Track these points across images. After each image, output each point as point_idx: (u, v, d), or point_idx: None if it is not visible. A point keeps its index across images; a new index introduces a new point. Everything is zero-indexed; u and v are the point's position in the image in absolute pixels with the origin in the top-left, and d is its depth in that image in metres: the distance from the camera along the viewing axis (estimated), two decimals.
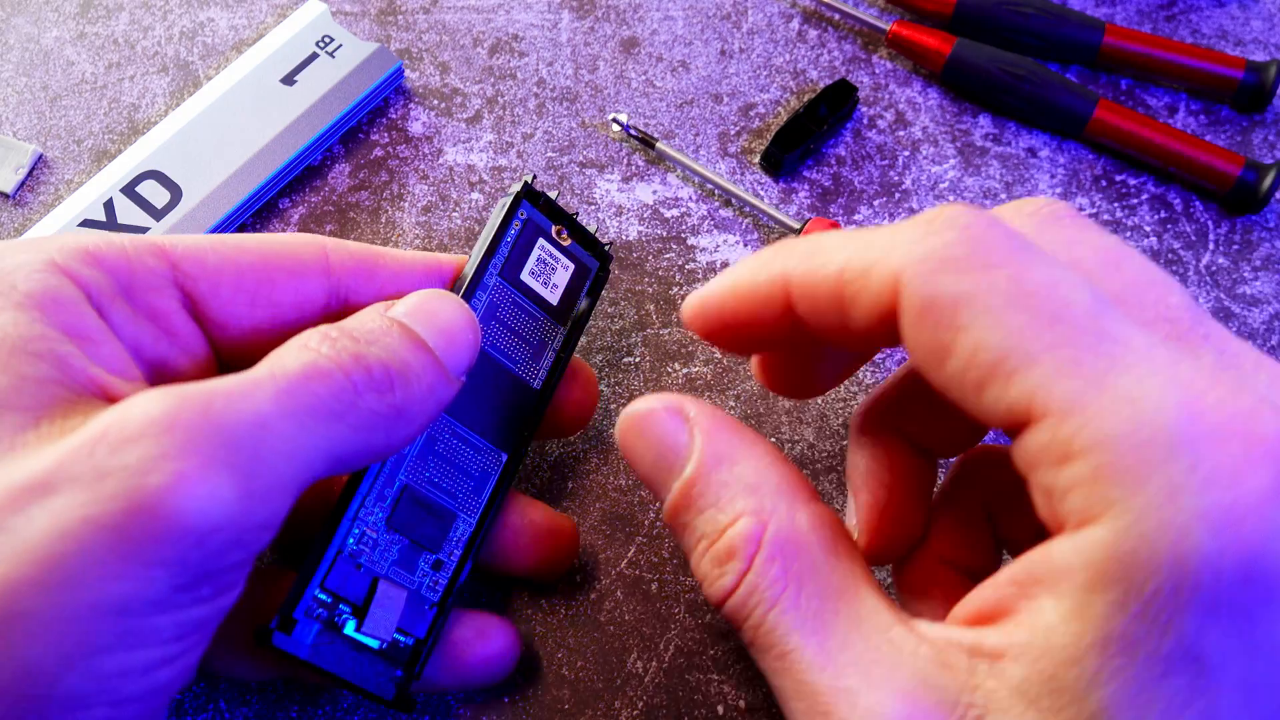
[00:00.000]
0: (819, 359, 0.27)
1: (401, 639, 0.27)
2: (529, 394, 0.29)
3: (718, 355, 0.36)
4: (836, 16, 0.42)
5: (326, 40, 0.40)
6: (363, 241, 0.37)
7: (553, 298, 0.30)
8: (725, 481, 0.23)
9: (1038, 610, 0.19)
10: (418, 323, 0.25)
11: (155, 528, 0.19)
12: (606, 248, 0.32)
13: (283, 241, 0.27)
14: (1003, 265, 0.20)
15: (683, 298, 0.32)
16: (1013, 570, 0.20)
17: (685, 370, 0.35)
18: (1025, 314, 0.19)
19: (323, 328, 0.23)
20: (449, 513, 0.28)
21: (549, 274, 0.30)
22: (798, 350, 0.27)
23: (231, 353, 0.27)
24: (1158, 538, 0.17)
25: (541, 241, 0.30)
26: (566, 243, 0.30)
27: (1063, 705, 0.18)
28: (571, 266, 0.31)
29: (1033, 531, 0.21)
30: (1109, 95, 0.41)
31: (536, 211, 0.30)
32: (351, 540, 0.26)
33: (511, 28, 0.42)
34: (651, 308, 0.36)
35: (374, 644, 0.26)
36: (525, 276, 0.29)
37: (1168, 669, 0.18)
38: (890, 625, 0.21)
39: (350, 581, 0.26)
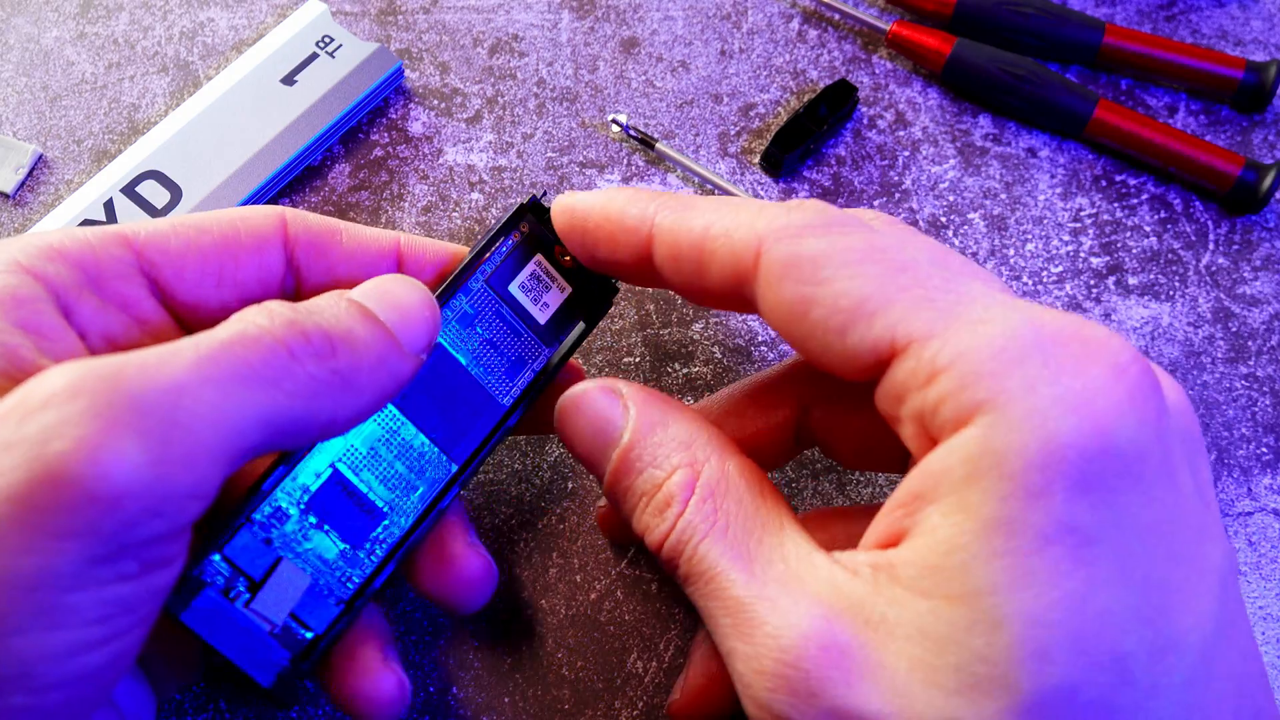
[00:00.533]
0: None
1: (297, 629, 0.25)
2: (494, 408, 0.28)
3: (718, 355, 0.36)
4: (836, 16, 0.42)
5: (326, 40, 0.40)
6: None
7: (541, 316, 0.29)
8: (660, 442, 0.25)
9: (924, 518, 0.21)
10: (369, 299, 0.24)
11: (60, 496, 0.18)
12: (614, 280, 0.30)
13: (243, 217, 0.27)
14: (856, 231, 0.23)
15: (684, 299, 0.32)
16: (897, 495, 0.22)
17: (685, 370, 0.35)
18: (879, 265, 0.22)
19: (266, 303, 0.23)
20: (377, 510, 0.27)
21: (541, 292, 0.29)
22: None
23: None
24: (1023, 427, 0.20)
25: (539, 258, 0.29)
26: (569, 264, 0.29)
27: (953, 592, 0.20)
28: (569, 289, 0.29)
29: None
30: (1109, 95, 0.41)
31: (540, 227, 0.29)
32: (262, 514, 0.25)
33: (511, 28, 0.42)
34: (651, 308, 0.36)
35: (263, 626, 0.25)
36: (514, 289, 0.29)
37: (1045, 544, 0.19)
38: (809, 551, 0.23)
39: (253, 555, 0.24)
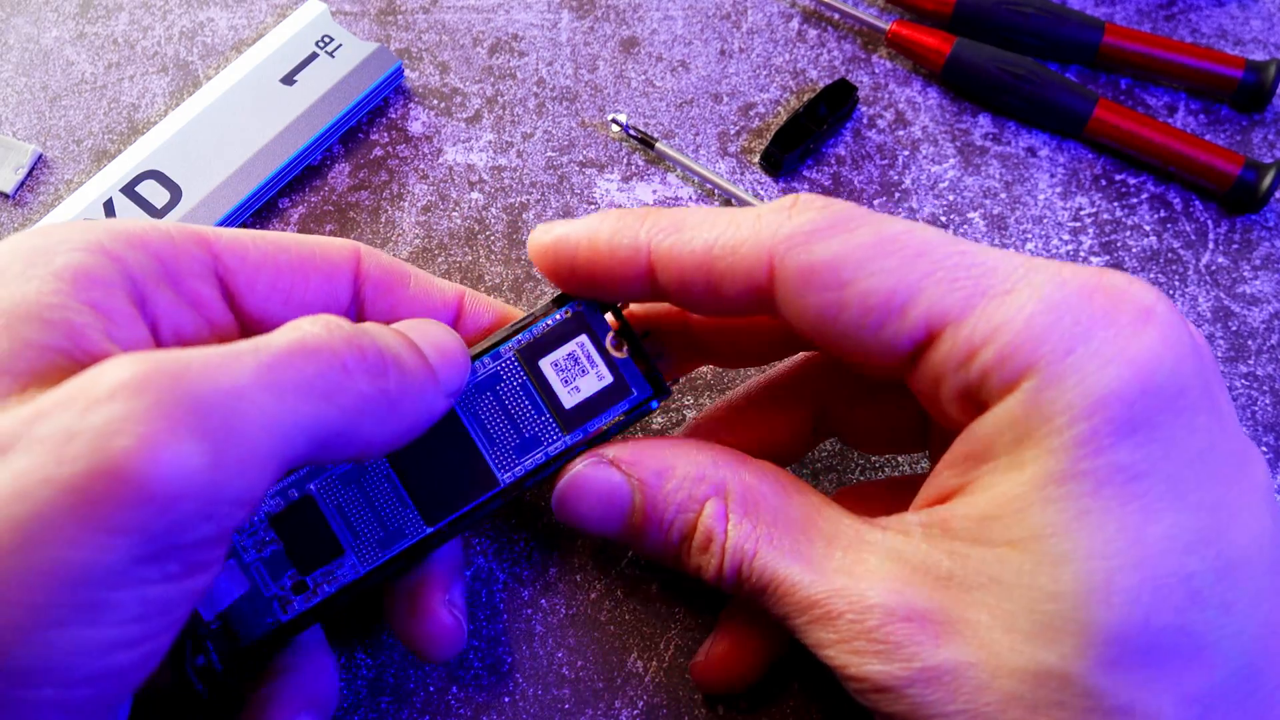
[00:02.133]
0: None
1: (227, 628, 0.25)
2: (489, 483, 0.27)
3: None
4: (836, 16, 0.42)
5: (326, 40, 0.40)
6: (362, 240, 0.37)
7: (568, 400, 0.27)
8: (676, 488, 0.25)
9: (977, 478, 0.22)
10: (412, 333, 0.25)
11: (117, 491, 0.18)
12: (670, 384, 0.29)
13: (320, 244, 0.27)
14: (863, 225, 0.23)
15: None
16: (946, 460, 0.23)
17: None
18: (896, 257, 0.22)
19: (322, 315, 0.23)
20: (338, 547, 0.26)
21: (576, 375, 0.27)
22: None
23: None
24: (1064, 384, 0.21)
25: (584, 339, 0.27)
26: (620, 354, 0.27)
27: (1013, 537, 0.21)
28: (609, 380, 0.27)
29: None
30: (1108, 95, 0.41)
31: (598, 315, 0.27)
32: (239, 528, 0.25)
33: (511, 27, 0.42)
34: None
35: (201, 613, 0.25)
36: (545, 364, 0.27)
37: (1098, 486, 0.20)
38: (858, 528, 0.24)
39: None
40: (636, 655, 0.31)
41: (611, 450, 0.26)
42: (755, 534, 0.24)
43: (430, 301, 0.28)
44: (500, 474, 0.27)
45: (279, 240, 0.27)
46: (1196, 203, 0.39)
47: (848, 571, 0.23)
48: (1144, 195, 0.39)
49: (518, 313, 0.28)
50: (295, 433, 0.20)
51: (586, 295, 0.27)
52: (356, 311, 0.28)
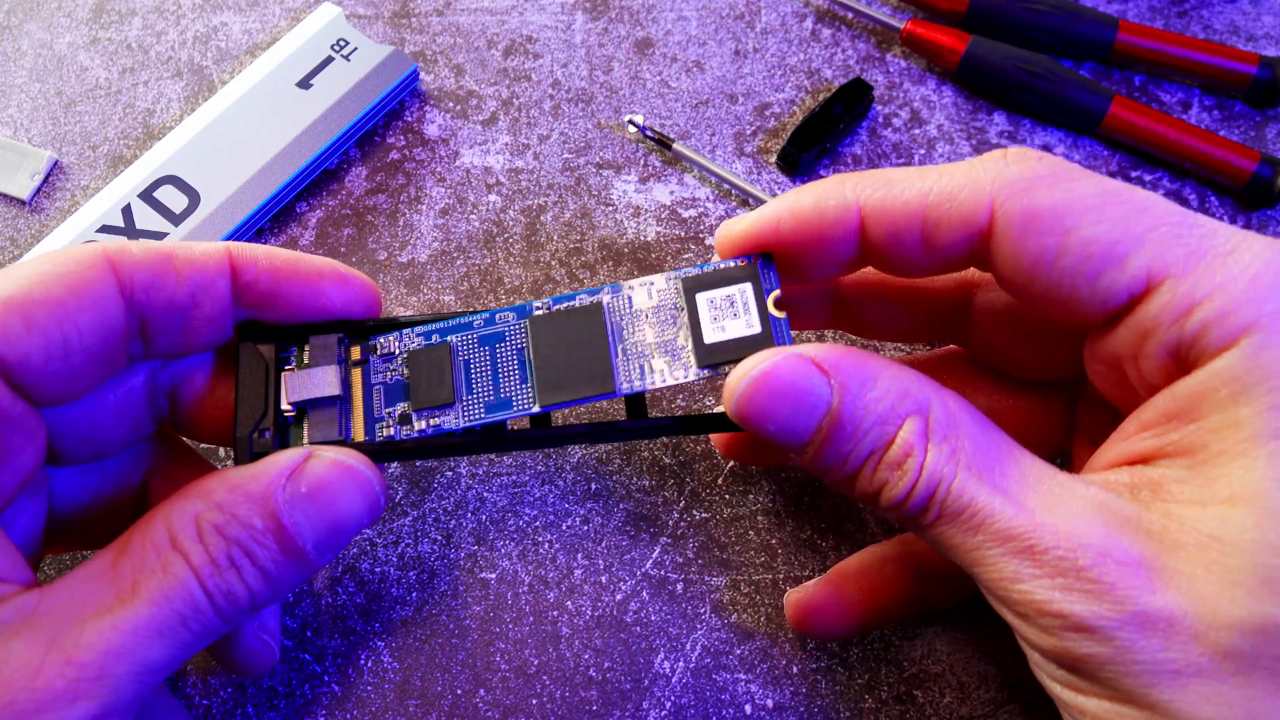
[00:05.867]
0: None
1: (301, 419, 0.28)
2: (606, 387, 0.27)
3: None
4: (850, 15, 0.42)
5: (341, 43, 0.40)
6: (380, 245, 0.37)
7: (710, 336, 0.27)
8: (877, 398, 0.24)
9: (1185, 436, 0.22)
10: (309, 515, 0.25)
11: None
12: None
13: (63, 274, 0.24)
14: (1083, 177, 0.24)
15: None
16: (1143, 418, 0.23)
17: None
18: (1119, 209, 0.23)
19: (198, 516, 0.24)
20: (451, 396, 0.27)
21: (727, 316, 0.27)
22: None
23: (62, 412, 0.26)
24: None
25: (747, 288, 0.27)
26: (778, 314, 0.26)
27: (1234, 495, 0.21)
28: (757, 331, 0.26)
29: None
30: (1123, 91, 0.41)
31: (771, 272, 0.27)
32: (384, 339, 0.28)
33: (525, 29, 0.42)
34: None
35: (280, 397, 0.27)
36: (701, 298, 0.27)
37: None
38: (1054, 475, 0.23)
39: (321, 350, 0.28)
40: (663, 656, 0.31)
41: (811, 348, 0.24)
42: (956, 458, 0.23)
43: (204, 275, 0.26)
44: (619, 384, 0.27)
45: (27, 294, 0.24)
46: (1212, 199, 0.39)
47: (1051, 511, 0.22)
48: (1160, 192, 0.39)
49: (286, 253, 0.28)
50: (161, 673, 0.23)
51: (789, 270, 0.27)
52: (137, 320, 0.26)
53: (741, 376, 0.25)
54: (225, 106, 0.38)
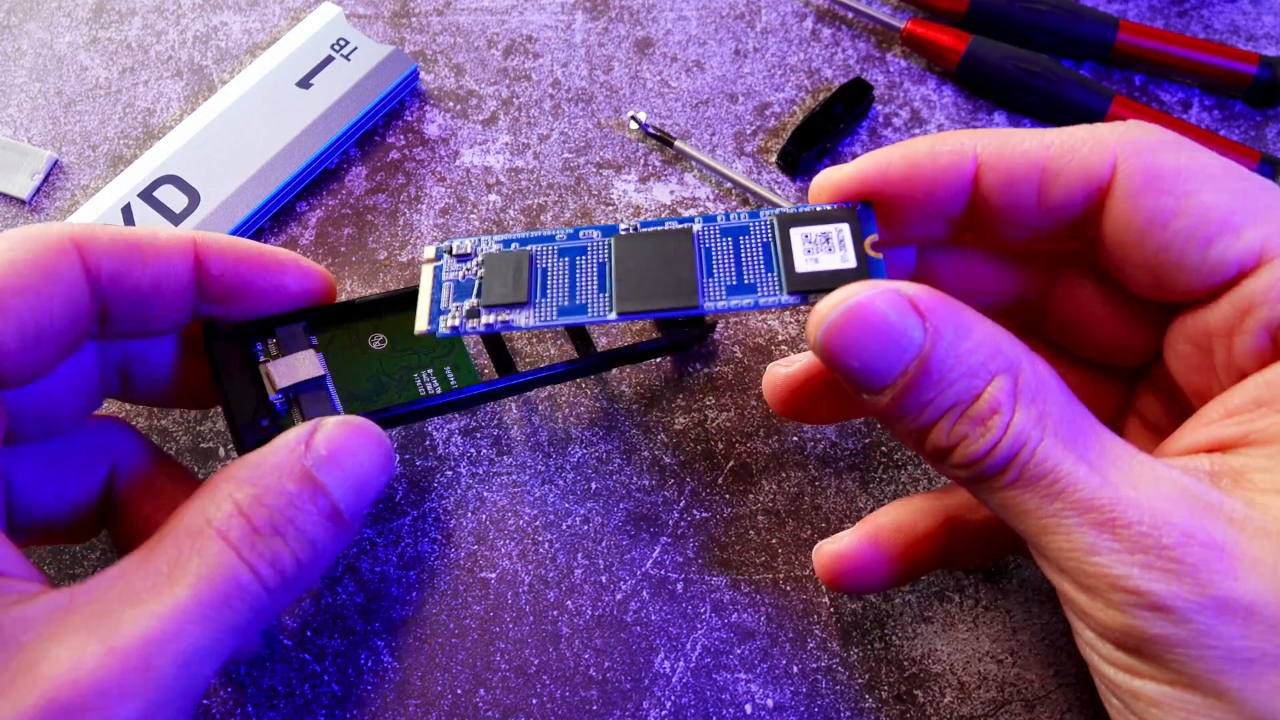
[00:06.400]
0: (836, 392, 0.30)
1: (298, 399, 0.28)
2: (689, 302, 0.26)
3: (738, 355, 0.36)
4: (850, 15, 0.42)
5: (341, 43, 0.40)
6: (380, 245, 0.37)
7: (802, 265, 0.26)
8: (971, 350, 0.23)
9: (1270, 426, 0.22)
10: (335, 475, 0.24)
11: None
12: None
13: (32, 259, 0.24)
14: (1205, 150, 0.24)
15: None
16: (1228, 403, 0.23)
17: (705, 370, 0.36)
18: (1242, 182, 0.23)
19: (229, 495, 0.23)
20: (524, 295, 0.27)
21: (821, 250, 0.26)
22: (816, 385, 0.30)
23: (23, 394, 0.26)
24: None
25: (845, 227, 0.26)
26: (875, 255, 0.26)
27: None
28: (852, 265, 0.26)
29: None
30: (1123, 91, 0.41)
31: (870, 215, 0.27)
32: (460, 241, 0.29)
33: (525, 29, 0.42)
34: None
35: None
36: (795, 233, 0.27)
37: None
38: (1136, 454, 0.23)
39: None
40: (664, 655, 0.31)
41: (909, 287, 0.23)
42: (1042, 422, 0.22)
43: (170, 265, 0.26)
44: (703, 301, 0.26)
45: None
46: None
47: (1135, 487, 0.22)
48: None
49: (250, 244, 0.29)
50: (218, 664, 0.23)
51: (890, 221, 0.27)
52: (100, 306, 0.26)
53: (834, 305, 0.23)
54: (225, 106, 0.38)
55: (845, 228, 0.26)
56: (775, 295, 0.26)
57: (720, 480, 0.34)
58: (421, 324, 0.27)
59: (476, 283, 0.28)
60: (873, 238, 0.26)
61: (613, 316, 0.27)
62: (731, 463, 0.34)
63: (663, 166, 0.39)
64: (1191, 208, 0.23)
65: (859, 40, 0.42)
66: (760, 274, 0.26)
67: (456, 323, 0.27)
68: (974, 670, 0.31)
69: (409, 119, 0.40)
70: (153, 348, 0.30)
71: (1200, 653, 0.20)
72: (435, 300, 0.28)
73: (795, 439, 0.34)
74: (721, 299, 0.26)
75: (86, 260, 0.25)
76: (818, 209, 0.27)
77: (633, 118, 0.39)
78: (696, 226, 0.28)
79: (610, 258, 0.28)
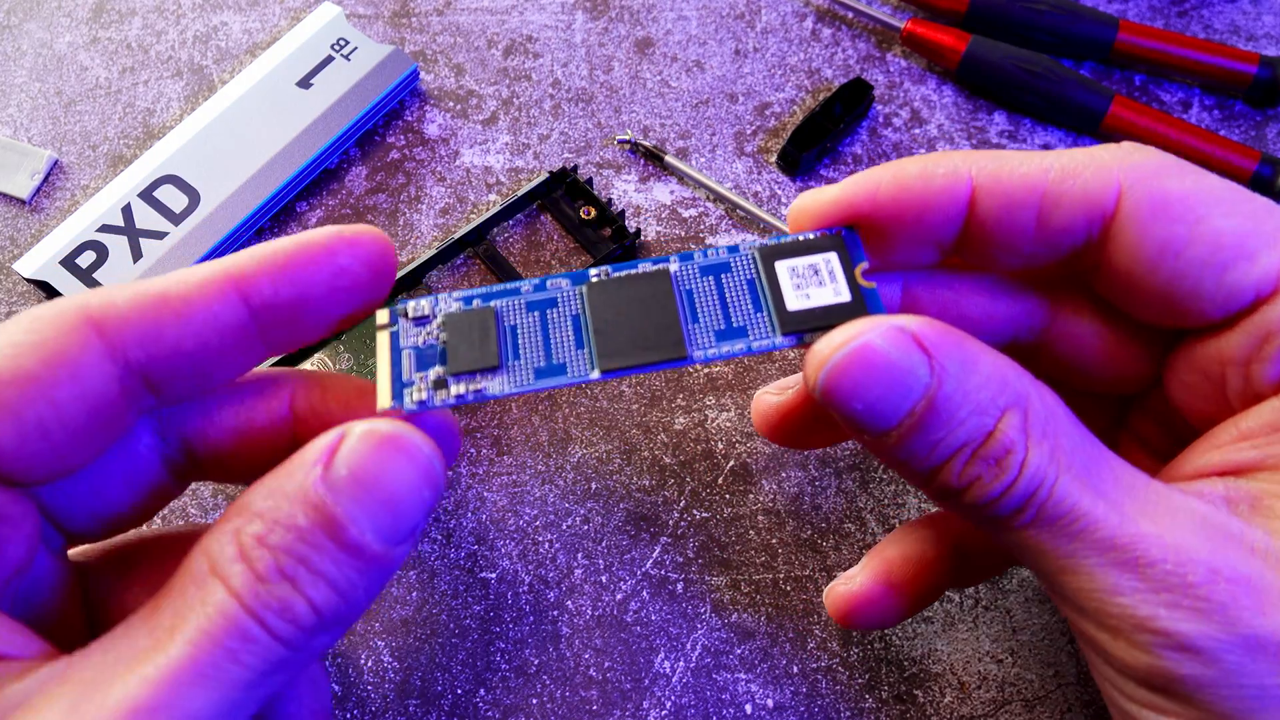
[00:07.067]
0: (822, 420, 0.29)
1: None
2: (677, 353, 0.25)
3: None
4: (850, 15, 0.42)
5: (341, 43, 0.40)
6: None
7: (793, 303, 0.25)
8: (978, 386, 0.22)
9: None
10: (358, 501, 0.21)
11: None
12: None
13: (37, 343, 0.21)
14: (1210, 175, 0.23)
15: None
16: (1243, 427, 0.22)
17: (706, 371, 0.36)
18: (1250, 206, 0.22)
19: (234, 532, 0.20)
20: (495, 361, 0.25)
21: (811, 284, 0.25)
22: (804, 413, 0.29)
23: (58, 487, 0.23)
24: None
25: (833, 257, 0.25)
26: (868, 285, 0.25)
27: None
28: (846, 299, 0.25)
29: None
30: (1123, 91, 0.41)
31: (857, 241, 0.25)
32: (415, 302, 0.25)
33: (525, 29, 0.42)
34: None
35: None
36: (781, 266, 0.25)
37: None
38: (1149, 482, 0.22)
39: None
40: (664, 655, 0.31)
41: (911, 320, 0.22)
42: (1056, 459, 0.21)
43: (206, 315, 0.22)
44: (691, 350, 0.25)
45: (10, 381, 0.21)
46: None
47: (1155, 521, 0.21)
48: None
49: (288, 247, 0.24)
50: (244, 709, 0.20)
51: (879, 245, 0.25)
52: (133, 379, 0.22)
53: (836, 347, 0.22)
54: (225, 106, 0.38)
55: (833, 257, 0.25)
56: (769, 337, 0.25)
57: (720, 480, 0.34)
58: (384, 400, 0.24)
59: (439, 348, 0.25)
60: (863, 265, 0.25)
61: (595, 375, 0.25)
62: (731, 463, 0.34)
63: (662, 169, 0.39)
64: (1204, 234, 0.22)
65: (859, 40, 0.42)
66: (749, 314, 0.25)
67: (423, 396, 0.24)
68: (974, 670, 0.31)
69: (409, 119, 0.40)
70: (213, 405, 0.25)
71: (1230, 692, 0.20)
72: (396, 373, 0.24)
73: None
74: (711, 346, 0.25)
75: (106, 333, 0.21)
76: (800, 238, 0.26)
77: (619, 140, 0.39)
78: (673, 267, 0.26)
79: (584, 309, 0.25)
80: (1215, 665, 0.20)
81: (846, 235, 0.25)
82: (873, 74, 0.41)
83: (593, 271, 0.26)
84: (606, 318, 0.25)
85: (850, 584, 0.29)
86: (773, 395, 0.29)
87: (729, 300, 0.25)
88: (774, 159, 0.39)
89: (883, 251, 0.25)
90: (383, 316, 0.25)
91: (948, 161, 0.24)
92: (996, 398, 0.22)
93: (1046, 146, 0.40)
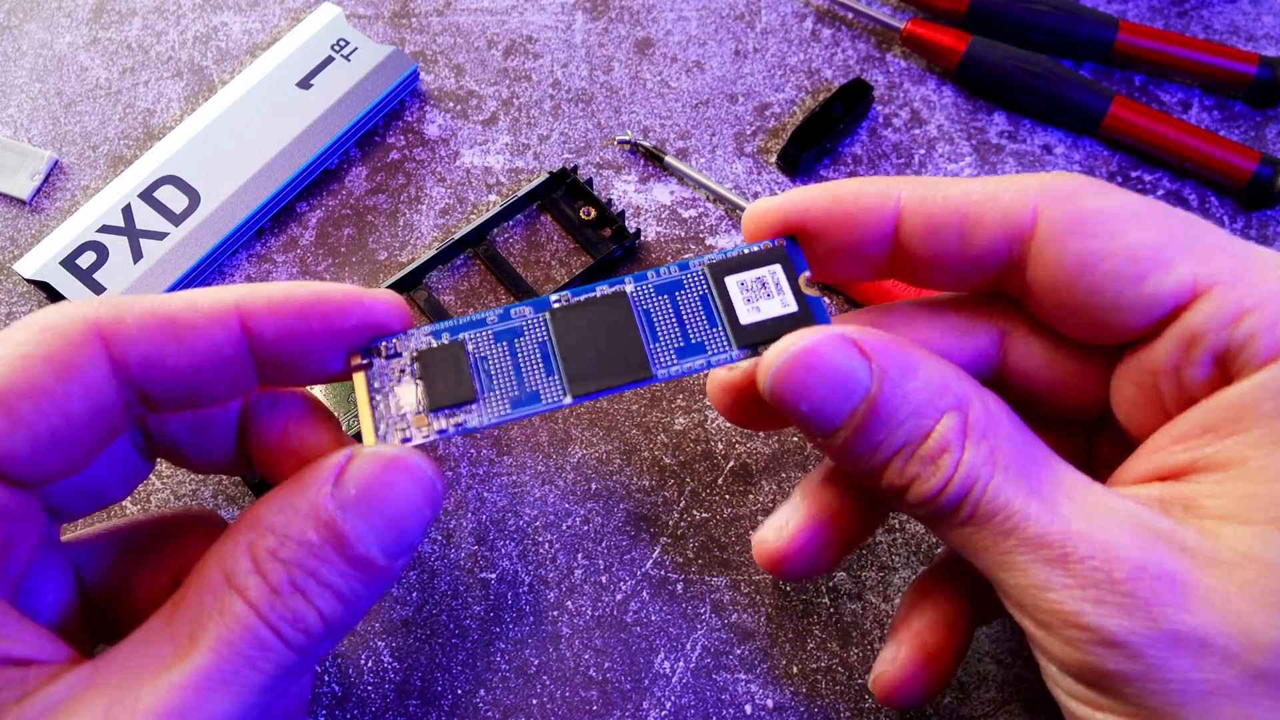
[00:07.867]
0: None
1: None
2: (642, 373, 0.26)
3: None
4: (850, 15, 0.42)
5: (341, 43, 0.40)
6: (380, 245, 0.37)
7: (746, 317, 0.26)
8: (917, 389, 0.23)
9: (1223, 450, 0.22)
10: (366, 518, 0.22)
11: None
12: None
13: (48, 355, 0.21)
14: (1125, 192, 0.24)
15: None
16: (1176, 430, 0.22)
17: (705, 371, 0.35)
18: (1165, 218, 0.23)
19: (248, 546, 0.21)
20: (470, 394, 0.25)
21: (760, 297, 0.26)
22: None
23: (54, 496, 0.24)
24: None
25: (777, 269, 0.27)
26: (811, 293, 0.26)
27: (1273, 513, 0.20)
28: (794, 309, 0.26)
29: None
30: (1123, 91, 0.41)
31: (798, 252, 0.27)
32: (387, 341, 0.26)
33: (525, 29, 0.42)
34: None
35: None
36: (730, 281, 0.27)
37: None
38: (1090, 485, 0.22)
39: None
40: (664, 656, 0.31)
41: (853, 329, 0.23)
42: (993, 459, 0.22)
43: (209, 346, 0.23)
44: (656, 370, 0.26)
45: (22, 392, 0.21)
46: (1212, 199, 0.39)
47: (1087, 519, 0.21)
48: (1160, 192, 0.39)
49: (306, 294, 0.25)
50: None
51: (811, 260, 0.27)
52: (134, 394, 0.23)
53: (780, 353, 0.23)
54: (225, 106, 0.38)
55: (778, 269, 0.26)
56: (725, 352, 0.26)
57: (720, 480, 0.34)
58: (369, 441, 0.25)
59: (417, 384, 0.26)
60: (805, 275, 0.26)
61: (568, 401, 0.26)
62: (731, 463, 0.34)
63: (661, 169, 0.39)
64: (1118, 247, 0.23)
65: (859, 40, 0.42)
66: (705, 330, 0.26)
67: (408, 433, 0.25)
68: (974, 670, 0.31)
69: (409, 119, 0.40)
70: (209, 424, 0.26)
71: (1156, 686, 0.20)
72: (376, 412, 0.25)
73: (795, 439, 0.34)
74: (674, 363, 0.26)
75: (112, 348, 0.22)
76: (745, 251, 0.27)
77: (619, 140, 0.39)
78: (629, 288, 0.27)
79: (550, 335, 0.26)
80: (1140, 660, 0.20)
81: (789, 246, 0.27)
82: (873, 74, 0.41)
83: (553, 297, 0.27)
84: (571, 343, 0.26)
85: (893, 667, 0.28)
86: (724, 372, 0.30)
87: (685, 318, 0.26)
88: (774, 159, 0.39)
89: (819, 262, 0.27)
90: (355, 357, 0.26)
91: (880, 183, 0.25)
92: (936, 400, 0.23)
93: (1046, 147, 0.40)
